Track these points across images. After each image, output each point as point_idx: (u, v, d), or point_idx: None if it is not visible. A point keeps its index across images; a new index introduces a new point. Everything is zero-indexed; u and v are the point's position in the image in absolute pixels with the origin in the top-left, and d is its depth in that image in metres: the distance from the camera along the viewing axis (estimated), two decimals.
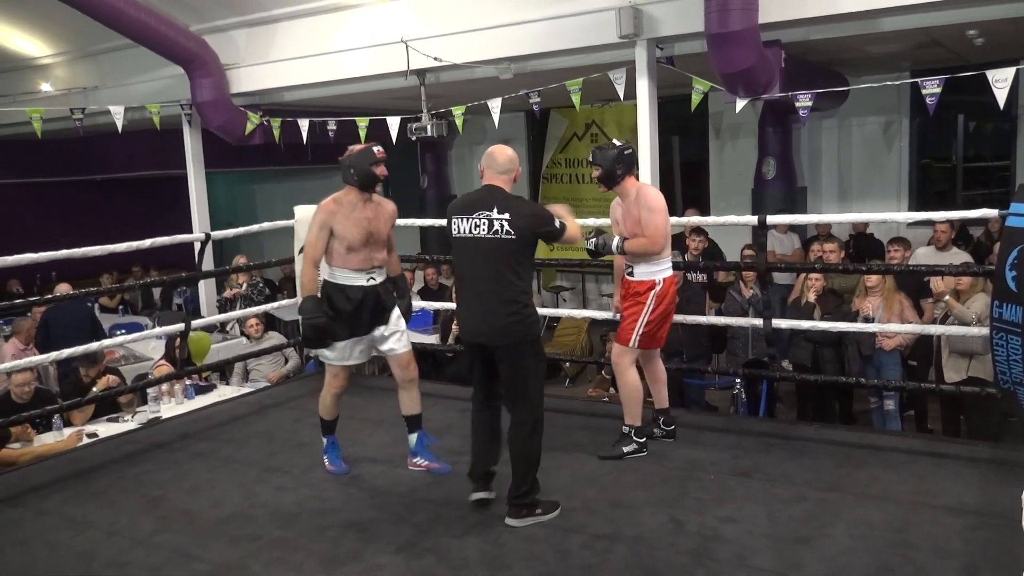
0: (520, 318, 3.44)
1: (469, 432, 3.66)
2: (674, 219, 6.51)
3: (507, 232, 3.37)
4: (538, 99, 7.24)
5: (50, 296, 6.49)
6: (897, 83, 7.01)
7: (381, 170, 3.90)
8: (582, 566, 3.13)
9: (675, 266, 4.39)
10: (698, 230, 7.10)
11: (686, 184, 11.22)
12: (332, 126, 8.42)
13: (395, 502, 3.78)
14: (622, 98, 6.89)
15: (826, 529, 3.31)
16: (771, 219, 4.80)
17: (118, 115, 8.09)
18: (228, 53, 8.47)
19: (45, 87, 10.01)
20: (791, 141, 8.95)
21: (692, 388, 6.51)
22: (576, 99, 7.02)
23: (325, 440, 4.19)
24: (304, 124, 8.39)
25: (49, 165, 12.01)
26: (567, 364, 8.34)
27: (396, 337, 4.04)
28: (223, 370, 7.27)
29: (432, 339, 7.50)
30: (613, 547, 3.25)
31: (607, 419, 4.63)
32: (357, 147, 3.95)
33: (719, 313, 6.64)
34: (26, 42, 9.91)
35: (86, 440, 5.19)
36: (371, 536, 3.45)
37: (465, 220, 3.45)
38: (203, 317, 7.92)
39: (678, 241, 7.50)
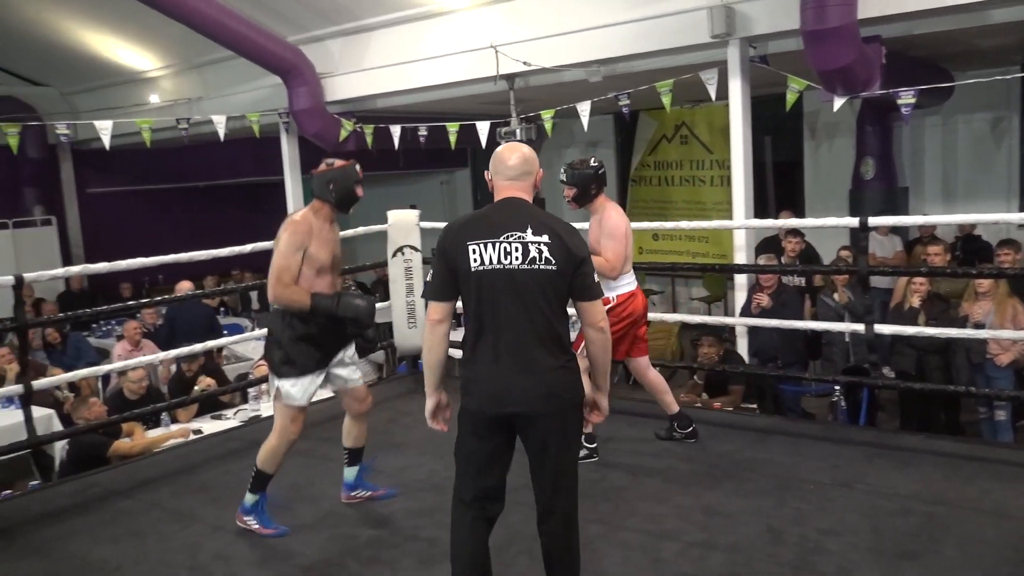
0: (568, 373, 2.64)
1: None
2: (769, 222, 6.40)
3: (547, 261, 2.56)
4: (627, 101, 7.20)
5: (167, 297, 6.79)
6: (1008, 77, 6.68)
7: (360, 190, 3.68)
8: (676, 573, 3.09)
9: (771, 269, 4.30)
10: (794, 232, 6.91)
11: (779, 185, 10.94)
12: (423, 132, 8.55)
13: None
14: (714, 99, 6.78)
15: (935, 545, 3.18)
16: (873, 221, 4.64)
17: (220, 124, 8.40)
18: (323, 62, 8.70)
19: (153, 99, 10.48)
20: (891, 140, 8.62)
21: (787, 395, 6.34)
22: (666, 101, 6.93)
23: (254, 497, 3.60)
24: (396, 130, 8.54)
25: (157, 173, 12.56)
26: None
27: (353, 368, 3.75)
28: None
29: None
30: (709, 555, 3.19)
31: (700, 424, 4.56)
32: (338, 162, 3.68)
33: (813, 318, 6.45)
34: (137, 56, 10.41)
35: (192, 436, 5.41)
36: None
37: (489, 246, 2.57)
38: None
39: (773, 243, 7.34)
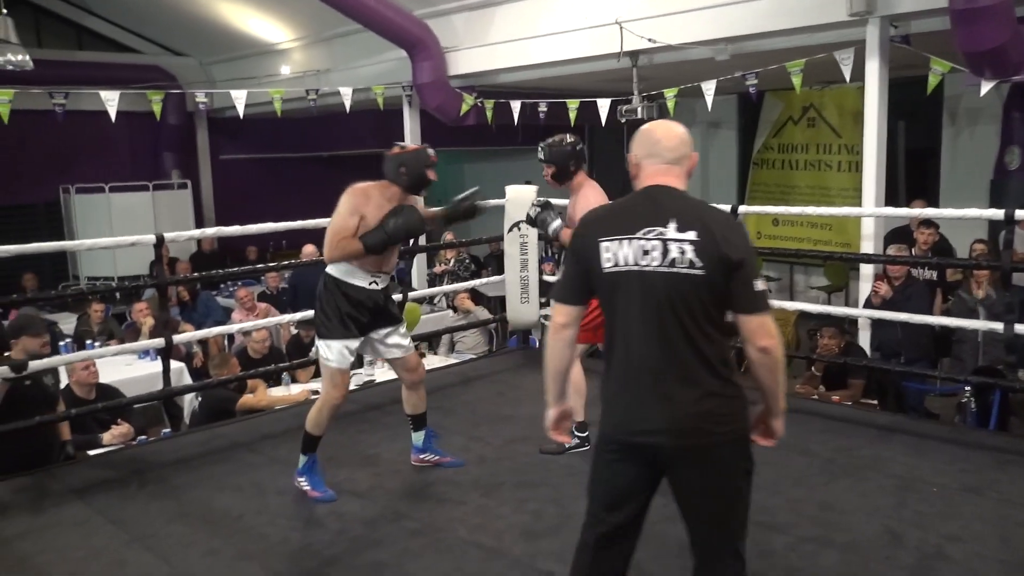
0: (725, 400, 2.18)
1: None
2: (904, 211, 6.09)
3: (690, 263, 2.12)
4: (755, 81, 6.98)
5: (293, 261, 7.07)
6: None
7: (432, 174, 3.71)
8: (786, 568, 3.02)
9: (903, 260, 4.10)
10: (927, 222, 6.57)
11: (911, 173, 10.40)
12: (543, 108, 8.55)
13: None
14: (848, 80, 6.49)
15: None
16: (1020, 213, 4.35)
17: (347, 96, 8.64)
18: (447, 36, 8.80)
19: (284, 70, 10.85)
20: None
21: (911, 392, 6.06)
22: (797, 81, 6.69)
23: (305, 458, 3.75)
24: (516, 105, 8.57)
25: (284, 142, 13.04)
26: None
27: (400, 340, 3.82)
28: (431, 340, 7.62)
29: None
30: (821, 552, 3.10)
31: (816, 417, 4.43)
32: (410, 146, 3.74)
33: (945, 313, 6.13)
34: (271, 28, 10.79)
35: (312, 397, 5.62)
36: (571, 513, 3.50)
37: (624, 243, 2.18)
38: (415, 290, 8.32)
39: (902, 233, 7.00)
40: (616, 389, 2.25)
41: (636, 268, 2.16)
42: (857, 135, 6.63)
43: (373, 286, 3.69)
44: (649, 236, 2.16)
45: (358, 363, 6.22)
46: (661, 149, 2.28)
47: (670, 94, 7.44)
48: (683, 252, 2.13)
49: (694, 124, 12.05)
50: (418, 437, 4.06)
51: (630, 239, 2.17)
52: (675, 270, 2.13)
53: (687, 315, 2.13)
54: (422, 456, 4.07)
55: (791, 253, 10.24)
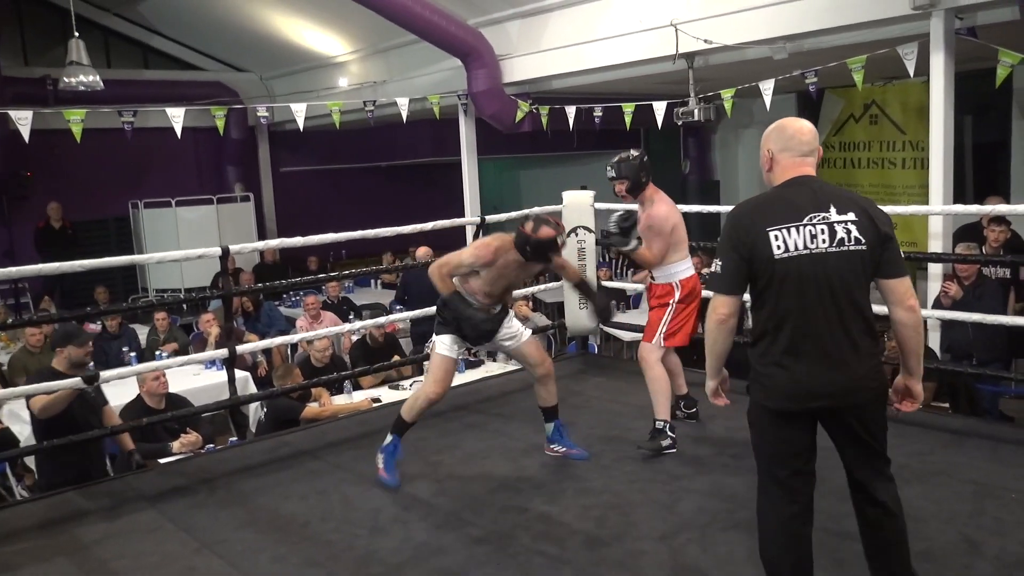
0: (875, 360, 2.52)
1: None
2: (975, 208, 5.90)
3: (856, 240, 2.41)
4: (815, 79, 6.85)
5: (353, 271, 7.15)
6: None
7: (552, 256, 3.89)
8: None
9: (972, 260, 3.99)
10: (999, 219, 6.34)
11: (979, 169, 10.08)
12: (598, 112, 8.53)
13: (658, 489, 3.77)
14: (911, 75, 6.32)
15: None
16: None
17: (403, 106, 8.74)
18: (502, 44, 8.84)
19: (342, 82, 11.04)
20: None
21: (985, 395, 5.86)
22: (858, 78, 6.54)
23: (390, 438, 4.00)
24: (571, 111, 8.57)
25: (342, 153, 13.24)
26: None
27: (516, 339, 4.08)
28: None
29: None
30: None
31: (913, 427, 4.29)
32: (544, 230, 3.79)
33: (1020, 313, 5.92)
34: (329, 42, 10.99)
35: (373, 405, 5.69)
36: (634, 521, 3.48)
37: (793, 231, 2.41)
38: None
39: (971, 231, 6.77)
40: (785, 363, 2.45)
41: (807, 252, 2.40)
42: (922, 131, 6.44)
43: (494, 311, 4.01)
44: (815, 221, 2.40)
45: (418, 371, 6.30)
46: (796, 143, 2.52)
47: (727, 95, 7.35)
48: (848, 232, 2.40)
49: (752, 125, 11.89)
50: (549, 428, 4.24)
51: (798, 226, 2.41)
52: (843, 248, 2.40)
53: (856, 288, 2.42)
54: (551, 446, 4.24)
55: None
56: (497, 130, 9.50)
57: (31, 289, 11.14)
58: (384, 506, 3.76)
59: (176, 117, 7.45)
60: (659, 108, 7.85)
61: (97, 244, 11.30)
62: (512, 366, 6.89)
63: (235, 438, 5.86)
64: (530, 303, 7.65)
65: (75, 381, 4.22)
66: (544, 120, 8.91)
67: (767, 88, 6.99)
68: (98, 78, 7.88)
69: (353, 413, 5.43)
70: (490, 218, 6.09)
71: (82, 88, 7.85)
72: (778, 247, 2.40)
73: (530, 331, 4.24)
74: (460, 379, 6.16)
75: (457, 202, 10.05)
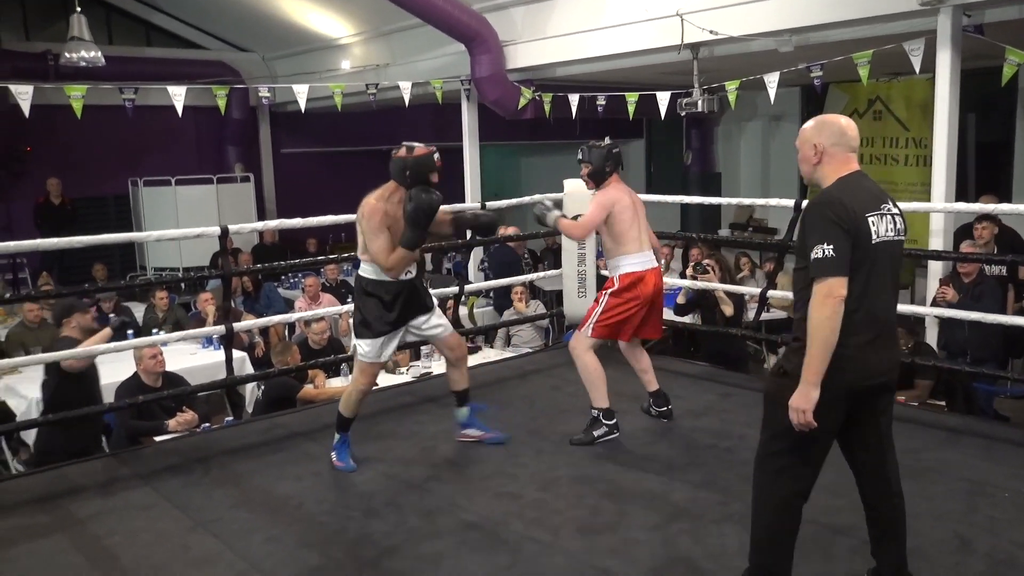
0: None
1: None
2: (975, 206, 5.87)
3: (902, 232, 2.62)
4: (820, 73, 6.82)
5: (350, 254, 7.12)
6: None
7: (436, 177, 3.80)
8: (849, 572, 2.95)
9: (972, 258, 3.98)
10: (986, 217, 6.31)
11: (981, 167, 10.07)
12: (601, 101, 8.50)
13: (652, 479, 3.78)
14: (917, 71, 6.30)
15: None
16: None
17: (406, 90, 8.70)
18: (506, 30, 8.79)
19: (344, 65, 10.98)
20: None
21: (980, 394, 5.87)
22: (863, 73, 6.51)
23: (338, 436, 4.05)
24: (574, 99, 8.54)
25: (343, 136, 13.19)
26: None
27: (437, 322, 4.03)
28: (487, 334, 7.65)
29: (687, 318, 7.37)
30: None
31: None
32: (419, 148, 3.79)
33: (1019, 312, 5.92)
34: (332, 23, 10.92)
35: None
36: (628, 510, 3.48)
37: (879, 219, 2.54)
38: (471, 283, 8.36)
39: (972, 230, 6.76)
40: (861, 342, 2.52)
41: (887, 239, 2.56)
42: (926, 128, 6.43)
43: (406, 276, 3.89)
44: (884, 211, 2.57)
45: (415, 356, 6.30)
46: (848, 139, 2.62)
47: (731, 87, 7.32)
48: (901, 225, 2.61)
49: (755, 117, 11.87)
50: (462, 413, 4.23)
51: (881, 215, 2.56)
52: (899, 238, 2.61)
53: (899, 273, 2.67)
54: (466, 431, 4.23)
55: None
56: (499, 116, 9.46)
57: (29, 264, 11.11)
58: (378, 490, 3.77)
59: (177, 95, 7.42)
60: (663, 98, 7.82)
61: (96, 221, 11.25)
62: (508, 352, 6.90)
63: (231, 418, 5.87)
64: (526, 293, 7.62)
65: (106, 332, 4.52)
66: (547, 107, 8.88)
67: (772, 81, 6.97)
68: (100, 54, 7.84)
69: None
70: (491, 204, 6.08)
71: (83, 64, 7.81)
72: (875, 232, 2.52)
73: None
74: None
75: (459, 188, 10.03)
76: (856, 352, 2.51)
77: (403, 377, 5.97)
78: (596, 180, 4.28)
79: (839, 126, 2.60)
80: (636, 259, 4.24)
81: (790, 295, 6.31)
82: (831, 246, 2.45)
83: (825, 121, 2.64)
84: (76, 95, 7.03)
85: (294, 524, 3.47)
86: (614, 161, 4.27)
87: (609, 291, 4.24)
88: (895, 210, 2.60)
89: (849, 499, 3.44)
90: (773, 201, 5.72)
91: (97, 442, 4.98)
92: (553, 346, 7.03)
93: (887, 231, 2.55)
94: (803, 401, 2.46)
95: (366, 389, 3.99)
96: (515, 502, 3.60)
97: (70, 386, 4.59)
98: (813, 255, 2.46)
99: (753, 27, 6.89)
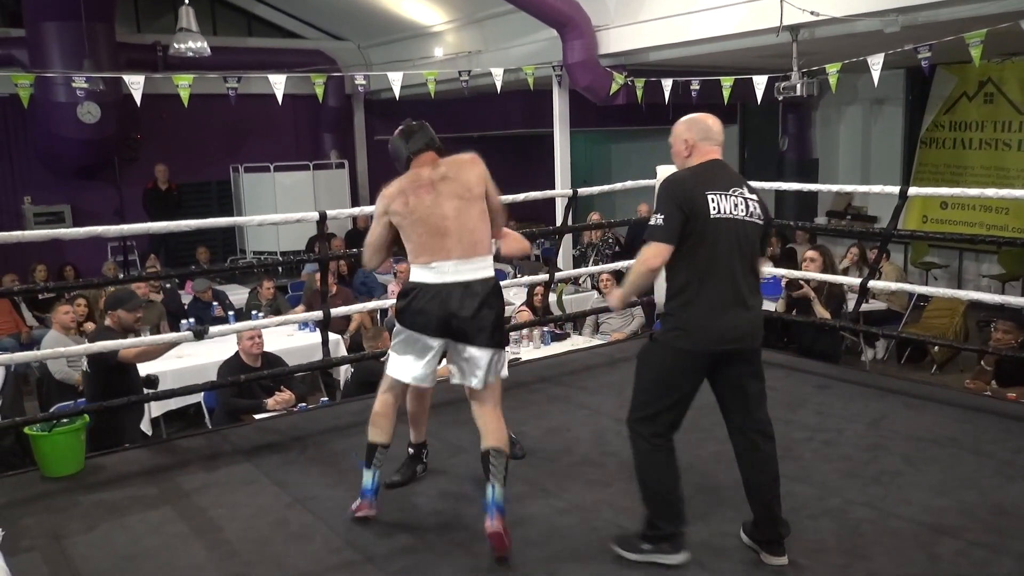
0: (762, 312, 3.05)
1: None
2: None
3: (758, 216, 2.93)
4: (928, 54, 6.53)
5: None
6: None
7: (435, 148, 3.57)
8: (955, 575, 2.84)
9: None
10: None
11: None
12: (695, 86, 8.34)
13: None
14: None
15: None
16: None
17: (498, 77, 8.73)
18: (599, 15, 8.71)
19: (437, 52, 11.09)
20: None
21: None
22: (976, 53, 6.21)
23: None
24: (667, 84, 8.41)
25: (436, 122, 13.17)
26: (935, 348, 7.58)
27: (472, 368, 3.31)
28: (575, 321, 7.64)
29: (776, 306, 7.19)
30: (994, 560, 2.90)
31: (988, 415, 4.14)
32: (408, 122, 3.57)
33: None
34: (426, 11, 11.04)
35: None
36: (718, 502, 3.44)
37: (725, 197, 2.88)
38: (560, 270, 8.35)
39: None
40: (707, 310, 2.87)
41: (731, 216, 2.88)
42: None
43: (440, 279, 3.23)
44: (735, 194, 2.91)
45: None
46: (713, 135, 3.01)
47: (832, 69, 7.08)
48: (755, 208, 2.94)
49: (855, 101, 11.45)
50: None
51: (726, 195, 2.89)
52: (751, 220, 2.92)
53: (755, 252, 2.97)
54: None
55: (962, 238, 9.46)
56: (590, 102, 9.40)
57: (138, 247, 11.67)
58: (470, 473, 3.81)
59: (278, 84, 7.63)
60: (759, 82, 7.63)
61: (199, 206, 11.74)
62: (597, 340, 6.87)
63: (326, 398, 6.04)
64: (613, 281, 7.54)
65: (185, 335, 4.42)
66: (639, 93, 8.78)
67: (876, 63, 6.71)
68: (206, 44, 8.13)
69: (439, 380, 5.49)
70: (582, 191, 6.05)
71: (190, 54, 8.11)
72: (714, 208, 2.85)
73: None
74: (545, 351, 6.20)
75: (547, 175, 10.02)
76: (703, 320, 2.87)
77: None
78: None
79: (706, 124, 3.01)
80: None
81: (893, 285, 6.11)
82: (662, 216, 2.84)
83: (695, 119, 3.03)
84: (184, 84, 7.31)
85: (386, 504, 3.54)
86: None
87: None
88: (752, 196, 2.94)
89: (954, 498, 3.33)
90: (876, 188, 5.49)
91: (136, 429, 5.10)
92: (644, 334, 6.97)
93: (733, 210, 2.87)
94: (614, 300, 3.11)
95: (386, 411, 3.63)
96: (605, 490, 3.60)
97: (114, 375, 4.55)
98: (650, 222, 2.87)
99: (857, 7, 6.63)
